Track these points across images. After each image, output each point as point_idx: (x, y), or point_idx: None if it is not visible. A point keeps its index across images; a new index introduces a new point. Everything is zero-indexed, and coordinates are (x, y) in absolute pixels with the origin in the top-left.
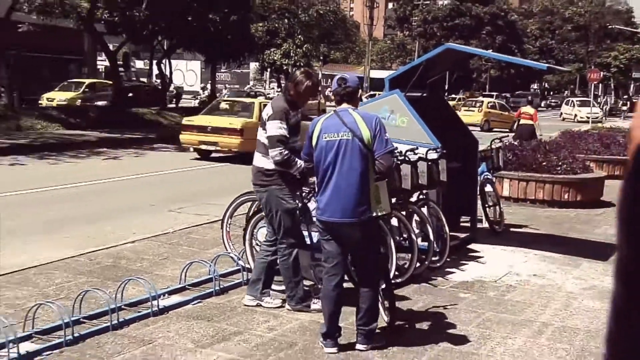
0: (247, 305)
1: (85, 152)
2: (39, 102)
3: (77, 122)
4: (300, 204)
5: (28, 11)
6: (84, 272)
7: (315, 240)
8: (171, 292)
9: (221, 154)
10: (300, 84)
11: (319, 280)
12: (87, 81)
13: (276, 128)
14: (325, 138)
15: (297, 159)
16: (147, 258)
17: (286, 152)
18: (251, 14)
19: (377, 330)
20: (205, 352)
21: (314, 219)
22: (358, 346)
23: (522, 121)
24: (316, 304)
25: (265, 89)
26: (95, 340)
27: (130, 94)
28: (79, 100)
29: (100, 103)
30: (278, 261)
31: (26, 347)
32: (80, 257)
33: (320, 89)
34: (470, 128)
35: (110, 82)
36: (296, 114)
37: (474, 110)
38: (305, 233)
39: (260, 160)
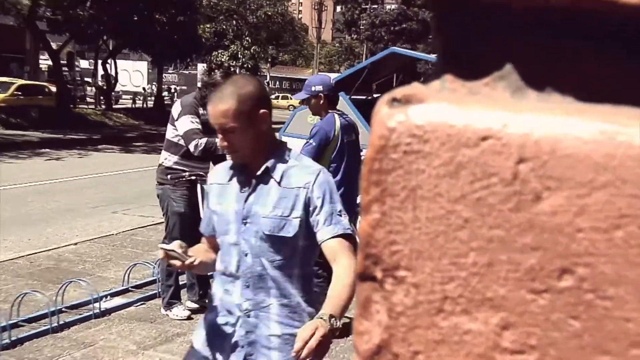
0: (190, 309)
1: (27, 152)
2: None
3: (19, 122)
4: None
5: None
6: (23, 275)
7: None
8: (114, 294)
9: None
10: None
11: None
12: None
13: (188, 122)
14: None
15: (215, 140)
16: (89, 260)
17: (202, 140)
18: (198, 15)
19: None
20: (148, 354)
21: None
22: None
23: None
24: (179, 311)
25: None
26: (33, 343)
27: None
28: None
29: None
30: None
31: None
32: (19, 259)
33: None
34: None
35: None
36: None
37: None
38: None
39: (162, 157)
